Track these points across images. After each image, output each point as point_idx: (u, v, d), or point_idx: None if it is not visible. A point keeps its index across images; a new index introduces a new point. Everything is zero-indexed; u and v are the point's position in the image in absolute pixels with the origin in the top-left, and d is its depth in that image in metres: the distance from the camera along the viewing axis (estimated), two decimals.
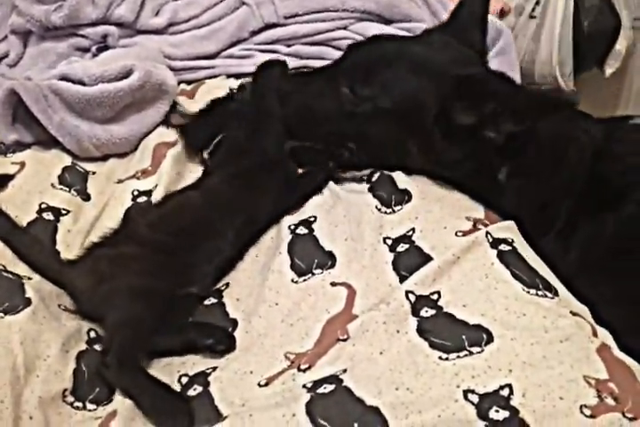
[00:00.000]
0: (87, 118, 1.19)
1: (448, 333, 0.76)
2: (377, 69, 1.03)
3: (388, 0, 1.45)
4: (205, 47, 1.48)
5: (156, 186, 1.10)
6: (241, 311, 0.90)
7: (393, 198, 0.99)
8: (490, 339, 0.74)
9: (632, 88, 1.81)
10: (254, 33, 1.49)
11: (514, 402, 0.66)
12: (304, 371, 0.77)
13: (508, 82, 1.02)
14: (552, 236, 0.93)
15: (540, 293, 0.80)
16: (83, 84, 1.19)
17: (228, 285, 0.95)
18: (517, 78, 1.35)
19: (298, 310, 0.87)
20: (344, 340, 0.79)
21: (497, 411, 0.65)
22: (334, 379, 0.72)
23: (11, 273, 0.88)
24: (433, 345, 0.75)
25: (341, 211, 0.99)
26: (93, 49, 1.42)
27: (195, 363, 0.83)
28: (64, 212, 1.04)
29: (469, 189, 0.99)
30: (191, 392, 0.79)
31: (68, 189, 1.09)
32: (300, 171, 1.07)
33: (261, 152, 1.03)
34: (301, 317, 0.85)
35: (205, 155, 1.10)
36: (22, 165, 1.11)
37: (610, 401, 0.66)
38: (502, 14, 1.78)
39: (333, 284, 0.89)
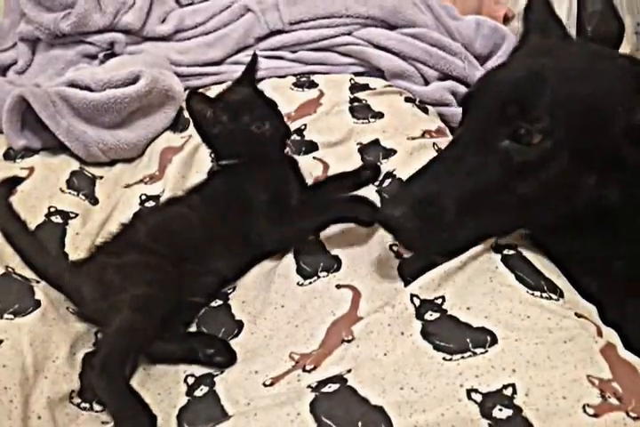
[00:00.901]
0: (95, 124, 1.21)
1: (452, 335, 0.76)
2: (533, 97, 0.77)
3: (393, 6, 1.47)
4: (211, 54, 1.50)
5: (163, 191, 1.11)
6: (247, 313, 0.91)
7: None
8: (494, 341, 0.74)
9: None
10: (259, 39, 1.52)
11: (517, 401, 0.66)
12: (309, 371, 0.78)
13: None
14: None
15: (544, 295, 0.80)
16: (90, 90, 1.22)
17: (234, 288, 0.96)
18: None
19: (303, 311, 0.87)
20: (349, 341, 0.80)
21: (500, 410, 0.65)
22: (339, 379, 0.73)
23: (20, 276, 0.90)
24: (437, 347, 0.75)
25: None
26: (101, 56, 1.45)
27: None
28: (72, 215, 1.06)
29: None
30: (197, 393, 0.80)
31: (76, 194, 1.11)
32: None
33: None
34: (306, 318, 0.86)
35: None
36: (31, 170, 1.13)
37: (613, 401, 0.66)
38: (506, 19, 1.80)
39: (339, 286, 0.90)
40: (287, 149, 1.06)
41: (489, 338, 0.74)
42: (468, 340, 0.74)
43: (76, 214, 1.07)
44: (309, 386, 0.73)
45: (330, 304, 0.87)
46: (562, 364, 0.70)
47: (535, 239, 0.89)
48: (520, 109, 0.77)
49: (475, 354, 0.72)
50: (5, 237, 0.95)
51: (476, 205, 0.81)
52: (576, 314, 0.77)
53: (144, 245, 0.90)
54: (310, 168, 1.14)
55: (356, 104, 1.31)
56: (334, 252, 0.96)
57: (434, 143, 1.15)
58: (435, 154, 0.96)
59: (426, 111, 1.32)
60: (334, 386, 0.71)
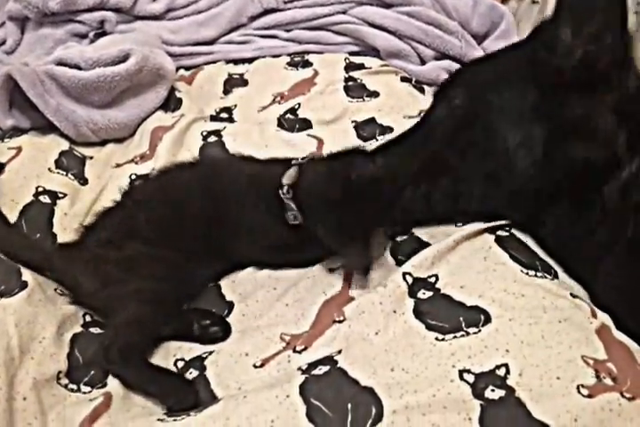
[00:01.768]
0: (84, 103, 1.19)
1: (445, 314, 0.75)
2: None
3: None
4: (204, 33, 1.47)
5: (153, 169, 1.09)
6: (238, 294, 0.89)
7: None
8: (487, 320, 0.73)
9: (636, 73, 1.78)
10: (253, 18, 1.49)
11: (510, 381, 0.65)
12: (300, 352, 0.76)
13: None
14: None
15: (539, 274, 0.79)
16: (79, 68, 1.19)
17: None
18: None
19: (295, 291, 0.86)
20: (340, 321, 0.79)
21: (492, 390, 0.64)
22: (329, 360, 0.71)
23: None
24: (429, 327, 0.74)
25: None
26: (91, 35, 1.42)
27: (191, 348, 0.83)
28: (61, 195, 1.04)
29: None
30: (187, 376, 0.79)
31: (65, 173, 1.09)
32: None
33: None
34: (298, 298, 0.85)
35: None
36: (19, 149, 1.11)
37: (608, 381, 0.65)
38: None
39: (331, 269, 0.88)
40: None
41: (482, 317, 0.73)
42: (462, 319, 0.73)
43: (65, 194, 1.04)
44: (300, 368, 0.72)
45: (322, 284, 0.86)
46: (556, 344, 0.69)
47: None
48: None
49: (467, 334, 0.71)
50: None
51: None
52: (571, 294, 0.76)
53: (145, 236, 0.87)
54: (304, 145, 1.13)
55: (350, 83, 1.29)
56: None
57: None
58: None
59: (422, 91, 1.30)
60: (324, 368, 0.70)
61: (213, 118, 1.26)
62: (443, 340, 0.71)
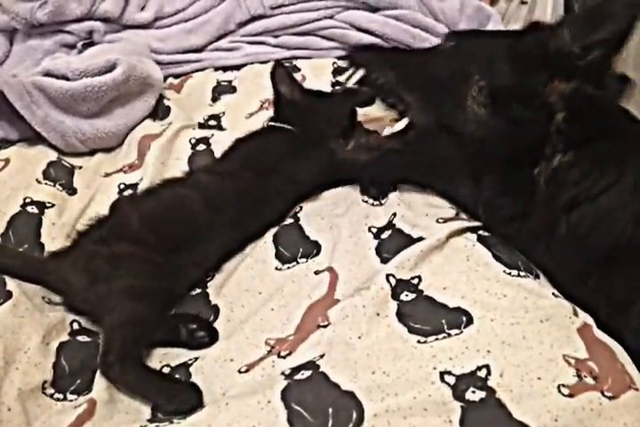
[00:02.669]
0: (72, 113, 1.19)
1: (427, 316, 0.75)
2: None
3: None
4: (192, 40, 1.47)
5: (141, 179, 1.10)
6: (223, 300, 0.89)
7: (380, 192, 0.98)
8: (469, 321, 0.73)
9: (626, 72, 1.78)
10: (241, 25, 1.49)
11: (491, 382, 0.65)
12: (284, 357, 0.76)
13: None
14: None
15: (521, 273, 0.79)
16: (67, 79, 1.19)
17: (213, 276, 0.95)
18: None
19: (280, 295, 0.86)
20: (325, 326, 0.79)
21: (473, 392, 0.64)
22: (311, 365, 0.71)
23: None
24: (412, 330, 0.74)
25: (328, 201, 0.99)
26: (79, 45, 1.43)
27: (177, 354, 0.83)
28: (48, 205, 1.04)
29: None
30: None
31: (52, 184, 1.09)
32: None
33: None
34: (283, 303, 0.85)
35: None
36: (7, 161, 1.11)
37: (589, 380, 0.65)
38: (493, 0, 1.77)
39: (317, 272, 0.88)
40: None
41: (464, 319, 0.73)
42: (444, 321, 0.74)
43: (53, 204, 1.05)
44: (283, 373, 0.72)
45: (306, 287, 0.86)
46: (537, 344, 0.69)
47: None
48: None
49: (449, 335, 0.71)
50: None
51: None
52: (553, 294, 0.76)
53: (136, 234, 0.88)
54: None
55: (337, 88, 1.29)
56: (313, 236, 0.94)
57: None
58: None
59: None
60: (307, 373, 0.70)
61: (202, 126, 1.26)
62: (424, 342, 0.71)
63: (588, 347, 0.68)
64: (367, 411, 0.64)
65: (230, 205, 0.94)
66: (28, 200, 1.03)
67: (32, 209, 1.02)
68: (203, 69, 1.44)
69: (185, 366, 0.81)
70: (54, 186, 1.09)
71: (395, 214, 0.91)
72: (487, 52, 0.90)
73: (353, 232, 0.92)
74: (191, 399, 0.74)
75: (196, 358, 0.81)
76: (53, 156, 1.17)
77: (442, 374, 0.67)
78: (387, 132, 1.02)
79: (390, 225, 0.90)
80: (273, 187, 0.97)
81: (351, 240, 0.91)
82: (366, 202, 0.97)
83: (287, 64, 1.38)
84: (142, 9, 1.49)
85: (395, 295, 0.78)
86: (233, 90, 1.36)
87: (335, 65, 1.38)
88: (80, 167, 1.18)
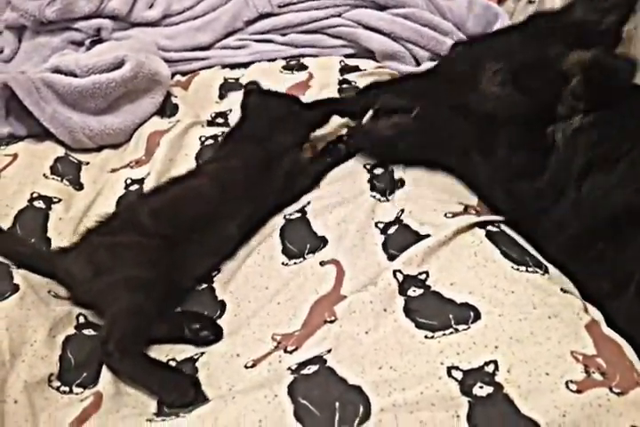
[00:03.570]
0: (80, 110, 1.19)
1: (435, 312, 0.74)
2: None
3: None
4: (200, 38, 1.48)
5: (148, 173, 1.10)
6: (230, 295, 0.89)
7: (388, 188, 0.98)
8: (477, 317, 0.72)
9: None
10: (249, 23, 1.49)
11: (498, 378, 0.65)
12: (291, 353, 0.76)
13: None
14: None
15: (530, 269, 0.78)
16: (75, 75, 1.20)
17: (219, 270, 0.95)
18: None
19: (286, 290, 0.86)
20: (331, 322, 0.78)
21: (481, 387, 0.64)
22: (318, 360, 0.71)
23: None
24: (419, 325, 0.73)
25: (336, 197, 0.98)
26: (87, 42, 1.43)
27: (183, 349, 0.83)
28: (55, 200, 1.05)
29: None
30: None
31: (59, 179, 1.10)
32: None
33: (278, 143, 1.02)
34: (290, 297, 0.85)
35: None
36: (15, 156, 1.12)
37: (597, 376, 0.64)
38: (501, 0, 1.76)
39: (322, 263, 0.88)
40: None
41: (472, 314, 0.73)
42: (451, 316, 0.73)
43: (60, 200, 1.05)
44: (289, 368, 0.72)
45: (313, 282, 0.85)
46: (545, 340, 0.68)
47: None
48: None
49: (457, 331, 0.71)
50: None
51: None
52: (562, 289, 0.76)
53: (145, 227, 0.89)
54: None
55: (345, 86, 1.29)
56: (320, 232, 0.94)
57: None
58: None
59: None
60: (314, 367, 0.70)
61: (209, 123, 1.26)
62: (432, 338, 0.71)
63: (596, 343, 0.68)
64: (374, 405, 0.64)
65: (239, 182, 0.96)
66: (35, 195, 1.04)
67: (39, 204, 1.03)
68: (210, 67, 1.44)
69: (191, 360, 0.81)
70: (61, 181, 1.10)
71: (402, 210, 0.91)
72: (499, 43, 0.92)
73: (360, 227, 0.92)
74: (190, 392, 0.74)
75: (203, 353, 0.81)
76: (61, 151, 1.17)
77: (449, 370, 0.66)
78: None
79: (397, 221, 0.89)
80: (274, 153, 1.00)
81: (358, 235, 0.90)
82: (374, 197, 0.97)
83: (294, 62, 1.40)
84: (150, 7, 1.49)
85: (402, 291, 0.78)
86: (240, 87, 1.36)
87: (343, 63, 1.38)
88: (87, 163, 1.18)
